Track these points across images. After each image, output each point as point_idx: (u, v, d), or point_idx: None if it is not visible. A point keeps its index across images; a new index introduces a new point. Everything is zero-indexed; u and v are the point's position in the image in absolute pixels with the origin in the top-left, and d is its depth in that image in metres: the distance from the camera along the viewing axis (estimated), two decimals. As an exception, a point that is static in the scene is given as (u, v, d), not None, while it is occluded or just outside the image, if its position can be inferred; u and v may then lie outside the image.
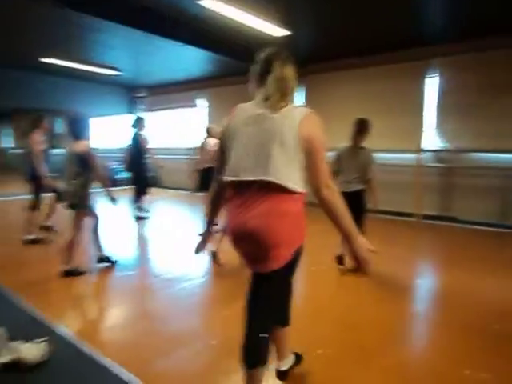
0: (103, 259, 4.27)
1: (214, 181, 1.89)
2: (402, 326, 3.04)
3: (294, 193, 1.59)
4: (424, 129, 7.19)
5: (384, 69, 7.50)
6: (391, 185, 7.40)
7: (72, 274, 3.92)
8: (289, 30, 5.97)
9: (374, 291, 3.68)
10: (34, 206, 5.17)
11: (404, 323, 3.09)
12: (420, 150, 7.00)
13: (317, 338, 2.76)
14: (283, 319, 2.03)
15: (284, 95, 1.66)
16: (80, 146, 3.83)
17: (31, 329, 2.78)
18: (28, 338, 2.42)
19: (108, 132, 13.72)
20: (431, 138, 7.14)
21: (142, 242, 5.78)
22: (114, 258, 4.34)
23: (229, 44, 6.89)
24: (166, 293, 3.61)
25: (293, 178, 1.58)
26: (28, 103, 10.03)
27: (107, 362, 2.40)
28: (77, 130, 3.92)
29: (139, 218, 6.83)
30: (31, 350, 2.32)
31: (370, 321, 3.05)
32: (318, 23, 6.06)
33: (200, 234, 2.10)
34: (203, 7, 5.00)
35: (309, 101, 8.74)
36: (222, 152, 1.76)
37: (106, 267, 4.24)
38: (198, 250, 2.05)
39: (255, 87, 1.75)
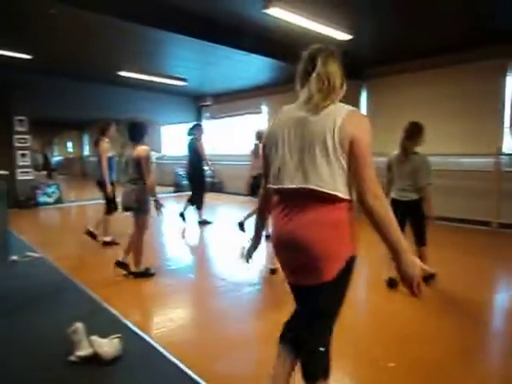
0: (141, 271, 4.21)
1: (261, 187, 1.84)
2: (475, 341, 2.83)
3: (339, 200, 1.48)
4: (504, 131, 6.67)
5: (456, 69, 7.08)
6: (466, 191, 6.97)
7: (143, 275, 4.12)
8: (351, 34, 5.87)
9: (445, 304, 3.47)
10: (108, 209, 5.46)
11: (478, 339, 2.88)
12: (498, 154, 6.50)
13: (385, 351, 2.67)
14: (317, 344, 1.65)
15: (327, 94, 1.52)
16: (138, 151, 3.95)
17: (106, 325, 2.98)
18: (103, 334, 2.59)
19: (177, 139, 14.34)
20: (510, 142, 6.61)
21: (204, 246, 5.96)
22: (152, 271, 4.25)
23: (292, 50, 6.87)
24: (232, 296, 3.69)
25: (336, 184, 1.46)
26: (104, 113, 10.76)
27: (175, 359, 2.50)
28: (135, 134, 4.05)
29: (202, 223, 7.05)
30: (107, 345, 2.48)
31: (440, 335, 2.88)
32: (381, 26, 5.91)
33: (249, 241, 2.05)
34: (267, 14, 5.08)
35: (372, 105, 8.54)
36: (265, 157, 1.68)
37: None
38: (247, 257, 2.01)
39: (299, 87, 1.63)
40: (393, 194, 3.78)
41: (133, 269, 4.14)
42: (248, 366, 2.48)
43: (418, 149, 3.73)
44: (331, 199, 1.47)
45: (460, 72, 7.05)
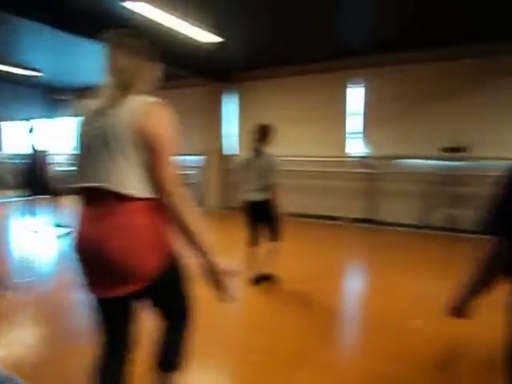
0: None
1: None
2: (328, 327, 3.14)
3: (141, 200, 1.36)
4: (347, 136, 7.58)
5: (314, 78, 7.80)
6: (320, 190, 7.71)
7: None
8: (221, 36, 5.96)
9: (300, 292, 3.77)
10: None
11: (329, 325, 3.20)
12: (347, 156, 7.34)
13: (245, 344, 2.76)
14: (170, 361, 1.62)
15: (126, 86, 1.42)
16: None
17: None
18: None
19: (22, 137, 12.68)
20: (357, 145, 7.54)
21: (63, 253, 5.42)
22: None
23: (158, 48, 6.71)
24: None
25: (132, 183, 1.34)
26: None
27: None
28: None
29: (61, 226, 6.29)
30: None
31: (295, 324, 3.11)
32: (250, 31, 6.15)
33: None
34: (130, 10, 4.84)
35: (242, 108, 8.86)
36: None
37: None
38: None
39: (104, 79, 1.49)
40: (245, 195, 3.89)
41: None
42: None
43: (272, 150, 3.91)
44: (132, 199, 1.35)
45: (315, 81, 7.78)
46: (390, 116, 7.09)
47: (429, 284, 4.07)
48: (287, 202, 3.96)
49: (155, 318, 1.62)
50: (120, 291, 1.39)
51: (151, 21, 5.18)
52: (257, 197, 3.79)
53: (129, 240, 1.35)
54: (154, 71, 1.56)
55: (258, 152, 3.82)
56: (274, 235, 3.88)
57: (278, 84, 8.30)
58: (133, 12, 4.91)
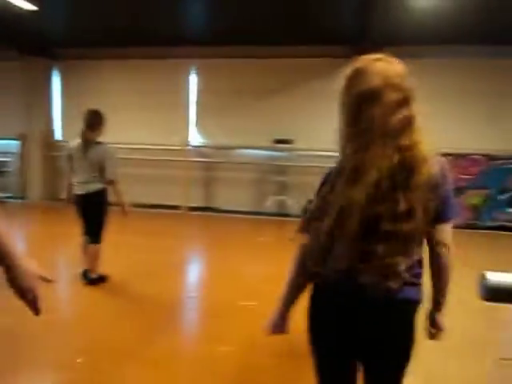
0: None
1: None
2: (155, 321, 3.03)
3: None
4: (189, 125, 7.54)
5: (153, 63, 7.45)
6: (158, 179, 7.48)
7: None
8: (35, 5, 5.17)
9: (141, 284, 3.59)
10: None
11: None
12: (185, 145, 7.29)
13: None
14: None
15: None
16: None
17: None
18: None
19: None
20: (194, 135, 7.56)
21: None
22: None
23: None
24: None
25: None
26: None
27: None
28: None
29: None
30: None
31: (126, 320, 2.93)
32: (70, 3, 5.50)
33: None
34: None
35: (67, 88, 7.98)
36: None
37: None
38: None
39: None
40: (74, 188, 3.48)
41: None
42: None
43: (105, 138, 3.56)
44: None
45: (154, 66, 7.45)
46: (224, 107, 7.26)
47: (264, 267, 4.26)
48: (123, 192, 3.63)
49: None
50: None
51: None
52: (85, 189, 3.41)
53: None
54: None
55: (88, 141, 3.40)
56: (97, 236, 3.49)
57: (112, 66, 7.71)
58: None
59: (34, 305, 1.07)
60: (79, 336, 2.68)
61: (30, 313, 1.07)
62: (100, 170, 3.41)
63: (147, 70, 7.52)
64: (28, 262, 1.07)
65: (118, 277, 3.71)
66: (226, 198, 7.43)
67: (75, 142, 3.49)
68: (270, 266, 4.21)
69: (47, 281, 1.11)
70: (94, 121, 3.44)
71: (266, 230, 6.36)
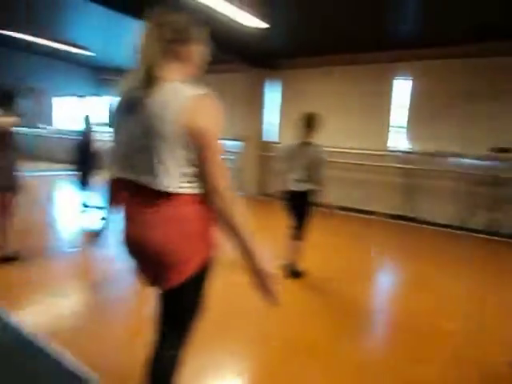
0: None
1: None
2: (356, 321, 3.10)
3: (185, 195, 1.30)
4: (390, 130, 7.35)
5: (359, 69, 7.59)
6: (356, 183, 7.57)
7: (9, 259, 3.72)
8: (267, 22, 5.90)
9: (322, 290, 3.74)
10: None
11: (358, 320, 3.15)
12: (386, 150, 7.13)
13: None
14: (175, 346, 1.51)
15: (170, 68, 1.32)
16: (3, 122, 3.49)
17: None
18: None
19: (72, 112, 13.18)
20: (398, 140, 7.32)
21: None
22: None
23: (208, 32, 6.72)
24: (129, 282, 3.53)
25: (171, 179, 1.26)
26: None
27: (53, 351, 2.32)
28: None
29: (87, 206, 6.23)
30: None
31: (323, 315, 3.09)
32: (297, 18, 6.04)
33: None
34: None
35: (285, 95, 8.78)
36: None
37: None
38: None
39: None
40: (287, 184, 3.79)
41: None
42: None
43: (316, 140, 3.79)
44: (176, 196, 1.29)
45: (360, 71, 7.57)
46: (435, 111, 6.81)
47: (467, 287, 3.92)
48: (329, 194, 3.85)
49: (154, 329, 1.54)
50: (164, 284, 1.39)
51: (198, 2, 5.19)
52: (298, 187, 3.71)
53: (173, 233, 1.31)
54: (199, 54, 1.43)
55: (304, 142, 3.71)
56: (301, 233, 3.79)
57: (322, 73, 8.13)
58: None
59: (269, 296, 1.37)
60: (270, 326, 2.91)
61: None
62: (312, 170, 3.66)
63: (354, 75, 7.67)
64: (265, 260, 1.34)
65: (314, 274, 3.94)
66: (427, 208, 6.97)
67: (293, 142, 3.81)
68: (473, 285, 3.81)
69: (277, 278, 1.37)
70: (312, 122, 3.70)
71: (471, 248, 5.71)
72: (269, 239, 5.62)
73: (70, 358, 2.25)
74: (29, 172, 10.51)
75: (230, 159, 9.07)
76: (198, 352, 2.40)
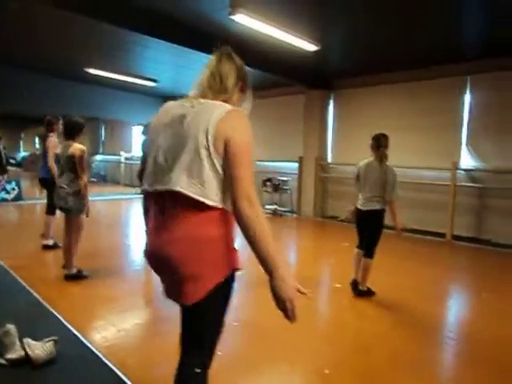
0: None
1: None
2: (416, 354, 2.90)
3: (210, 209, 1.33)
4: (462, 147, 6.94)
5: (416, 85, 7.36)
6: (423, 203, 7.22)
7: (75, 277, 4.00)
8: (318, 45, 6.00)
9: (393, 311, 3.56)
10: (50, 209, 5.10)
11: (421, 352, 2.95)
12: (456, 168, 6.71)
13: (327, 359, 2.70)
14: (198, 363, 1.50)
15: (218, 92, 1.45)
16: (73, 149, 3.84)
17: (45, 327, 2.90)
18: (38, 336, 2.52)
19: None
20: (465, 157, 6.90)
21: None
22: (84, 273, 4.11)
23: (262, 58, 6.99)
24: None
25: (205, 189, 1.32)
26: (74, 111, 10.57)
27: (112, 365, 2.45)
28: (69, 131, 3.95)
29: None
30: (40, 348, 2.41)
31: (383, 346, 2.94)
32: (346, 39, 6.09)
33: None
34: (235, 21, 5.10)
35: (338, 114, 8.75)
36: (144, 156, 1.59)
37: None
38: None
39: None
40: (358, 203, 3.84)
41: (65, 271, 4.03)
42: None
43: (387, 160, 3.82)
44: (202, 207, 1.33)
45: (421, 87, 7.30)
46: (502, 126, 6.38)
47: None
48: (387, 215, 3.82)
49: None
50: (182, 300, 1.42)
51: (255, 31, 5.41)
52: (368, 206, 3.75)
53: (193, 250, 1.34)
54: (243, 97, 1.56)
55: (375, 161, 3.77)
56: (370, 250, 3.79)
57: (374, 91, 8.03)
58: (240, 24, 5.20)
59: (288, 313, 1.31)
60: (334, 347, 2.86)
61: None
62: (382, 189, 3.69)
63: (413, 92, 7.42)
64: (289, 273, 1.31)
65: (382, 294, 3.87)
66: (500, 229, 6.43)
67: (364, 161, 3.87)
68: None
69: (302, 293, 1.33)
70: (388, 142, 3.78)
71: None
72: (329, 260, 5.52)
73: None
74: (106, 196, 11.47)
75: (287, 180, 9.13)
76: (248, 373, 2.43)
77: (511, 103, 6.28)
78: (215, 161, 1.31)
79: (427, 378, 2.48)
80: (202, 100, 1.42)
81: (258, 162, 10.35)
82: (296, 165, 9.13)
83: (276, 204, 9.27)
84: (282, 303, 1.31)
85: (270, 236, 1.29)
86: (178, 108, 1.44)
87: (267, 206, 9.32)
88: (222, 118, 1.32)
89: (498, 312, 3.65)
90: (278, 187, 9.02)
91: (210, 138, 1.30)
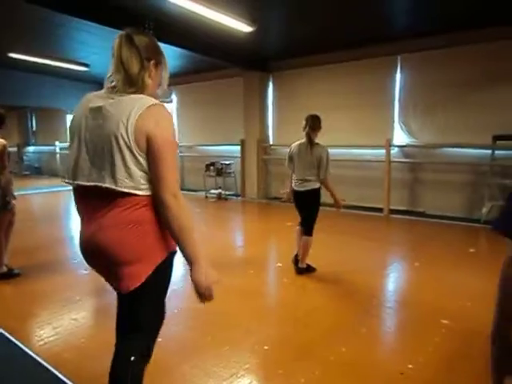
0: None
1: None
2: (354, 324, 3.05)
3: (141, 197, 1.35)
4: (394, 124, 7.26)
5: (352, 64, 7.54)
6: (360, 180, 7.53)
7: (4, 276, 3.80)
8: (253, 26, 5.95)
9: (332, 285, 3.72)
10: None
11: (359, 322, 3.10)
12: (390, 145, 7.02)
13: (267, 335, 2.76)
14: (136, 351, 1.49)
15: (126, 83, 1.39)
16: None
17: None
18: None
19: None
20: (398, 134, 7.23)
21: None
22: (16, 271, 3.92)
23: (198, 40, 6.85)
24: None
25: (134, 181, 1.32)
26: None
27: (47, 363, 2.36)
28: None
29: None
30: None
31: (321, 319, 3.06)
32: (283, 20, 6.10)
33: None
34: (170, 2, 4.94)
35: (277, 96, 8.81)
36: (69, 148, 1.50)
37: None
38: None
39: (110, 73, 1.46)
40: (292, 185, 3.94)
41: None
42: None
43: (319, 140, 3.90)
44: (132, 197, 1.34)
45: (354, 67, 7.51)
46: (431, 102, 6.73)
47: (471, 284, 3.80)
48: (325, 192, 3.95)
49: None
50: (121, 288, 1.41)
51: (192, 12, 5.29)
52: (303, 187, 3.83)
53: (126, 235, 1.34)
54: (159, 72, 1.50)
55: (311, 142, 3.82)
56: (309, 229, 3.88)
57: (311, 72, 8.14)
58: (175, 5, 5.05)
59: (203, 297, 1.42)
60: (273, 324, 2.94)
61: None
62: (316, 169, 3.78)
63: (349, 72, 7.62)
64: (208, 263, 1.40)
65: (322, 269, 4.02)
66: (432, 201, 6.88)
67: (296, 143, 3.93)
68: (480, 283, 3.72)
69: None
70: (316, 123, 3.82)
71: (479, 241, 5.60)
72: (273, 240, 5.66)
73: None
74: (43, 189, 10.85)
75: (229, 164, 9.13)
76: (191, 357, 2.44)
77: (438, 81, 6.62)
78: (138, 156, 1.32)
79: (363, 346, 2.61)
80: (123, 92, 1.38)
81: (200, 147, 10.27)
82: (238, 148, 9.14)
83: (220, 188, 9.26)
84: (201, 289, 1.39)
85: (192, 228, 1.35)
86: (97, 100, 1.40)
87: (212, 191, 9.29)
88: (141, 114, 1.31)
89: (429, 279, 3.89)
90: (221, 171, 8.99)
91: (130, 135, 1.30)
